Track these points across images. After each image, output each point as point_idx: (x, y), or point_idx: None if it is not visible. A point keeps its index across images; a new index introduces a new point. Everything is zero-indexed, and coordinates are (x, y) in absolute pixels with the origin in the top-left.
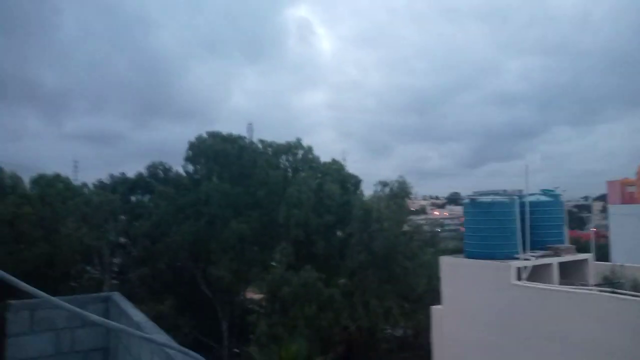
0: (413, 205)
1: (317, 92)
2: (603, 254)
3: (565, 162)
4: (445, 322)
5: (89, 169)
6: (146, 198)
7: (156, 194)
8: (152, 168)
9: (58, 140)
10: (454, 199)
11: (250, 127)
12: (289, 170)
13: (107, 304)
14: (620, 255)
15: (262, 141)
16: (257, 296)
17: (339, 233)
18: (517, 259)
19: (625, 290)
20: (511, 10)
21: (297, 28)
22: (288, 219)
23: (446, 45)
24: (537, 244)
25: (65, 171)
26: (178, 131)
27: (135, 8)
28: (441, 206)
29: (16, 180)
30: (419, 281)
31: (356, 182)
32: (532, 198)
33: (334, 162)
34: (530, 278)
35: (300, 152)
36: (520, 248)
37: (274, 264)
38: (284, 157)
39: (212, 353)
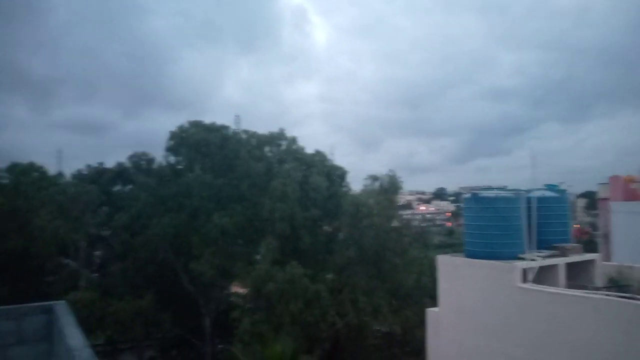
0: (401, 200)
1: (310, 84)
2: (592, 251)
3: (553, 159)
4: (442, 324)
5: (76, 159)
6: (128, 189)
7: (137, 185)
8: (135, 158)
9: (45, 130)
10: (439, 194)
11: (237, 118)
12: (273, 161)
13: (50, 316)
14: (622, 254)
15: (245, 131)
16: (242, 290)
17: (325, 227)
18: (522, 259)
19: (633, 292)
20: (509, 3)
21: (293, 16)
22: (273, 212)
23: (441, 37)
24: (542, 243)
25: (51, 161)
26: (169, 121)
27: None
28: (427, 201)
29: None
30: (408, 278)
31: (342, 174)
32: (538, 194)
33: (319, 153)
34: (536, 280)
35: (284, 143)
36: (526, 248)
37: (258, 258)
38: (267, 148)
39: (195, 350)
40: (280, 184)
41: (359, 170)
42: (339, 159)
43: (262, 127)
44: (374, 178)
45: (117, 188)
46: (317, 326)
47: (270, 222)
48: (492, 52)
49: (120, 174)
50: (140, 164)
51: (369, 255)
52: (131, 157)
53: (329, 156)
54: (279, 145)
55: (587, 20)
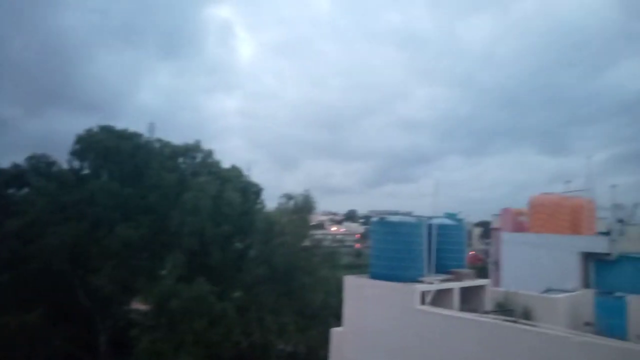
0: (314, 220)
1: (231, 98)
2: (484, 277)
3: (454, 189)
4: (346, 345)
5: None
6: (23, 193)
7: (33, 189)
8: (34, 160)
9: None
10: (351, 216)
11: (151, 126)
12: (187, 174)
13: None
14: (509, 281)
15: (159, 140)
16: (144, 307)
17: (237, 244)
18: (422, 282)
19: (516, 317)
20: (426, 41)
21: (218, 29)
22: (182, 226)
23: (363, 66)
24: (440, 268)
25: None
26: (77, 123)
27: None
28: (339, 222)
29: None
30: (316, 297)
31: (257, 190)
32: (438, 221)
33: (235, 168)
34: (433, 303)
35: (200, 156)
36: (425, 271)
37: (163, 274)
38: (181, 159)
39: None
40: (192, 197)
41: (275, 188)
42: (255, 176)
43: (178, 137)
44: (289, 197)
45: (11, 191)
46: (221, 345)
47: (178, 236)
48: (407, 85)
49: (16, 176)
50: (39, 166)
51: (279, 274)
52: (29, 159)
53: (245, 172)
54: (194, 157)
55: (492, 63)
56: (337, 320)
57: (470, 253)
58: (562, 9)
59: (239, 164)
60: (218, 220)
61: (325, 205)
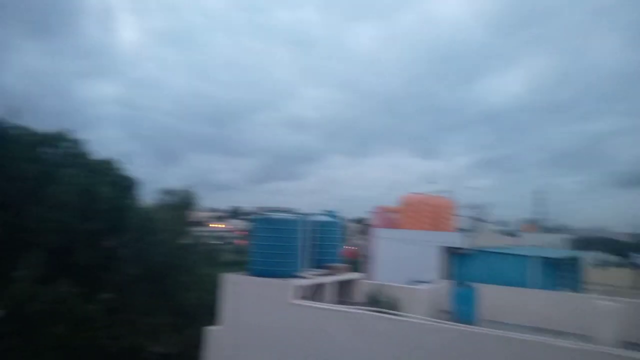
0: (195, 217)
1: (109, 85)
2: (361, 271)
3: (336, 187)
4: (223, 342)
5: None
6: None
7: None
8: None
9: None
10: (235, 213)
11: (12, 111)
12: (51, 165)
13: None
14: (381, 274)
15: (17, 127)
16: None
17: (107, 242)
18: (298, 277)
19: (385, 307)
20: (316, 42)
21: (98, 9)
22: (44, 222)
23: (253, 62)
24: (318, 263)
25: None
26: None
27: None
28: (222, 219)
29: None
30: (194, 296)
31: (133, 184)
32: (316, 218)
33: (109, 160)
34: (310, 297)
35: (66, 145)
36: (302, 267)
37: (19, 275)
38: (44, 148)
39: None
40: (56, 190)
41: (156, 182)
42: (133, 169)
43: (46, 125)
44: (169, 192)
45: None
46: (86, 351)
47: (39, 234)
48: (296, 85)
49: None
50: None
51: (154, 273)
52: None
53: (122, 165)
54: (60, 146)
55: (376, 68)
56: (216, 318)
57: (349, 248)
58: (437, 23)
59: (116, 155)
60: (87, 216)
61: (209, 201)
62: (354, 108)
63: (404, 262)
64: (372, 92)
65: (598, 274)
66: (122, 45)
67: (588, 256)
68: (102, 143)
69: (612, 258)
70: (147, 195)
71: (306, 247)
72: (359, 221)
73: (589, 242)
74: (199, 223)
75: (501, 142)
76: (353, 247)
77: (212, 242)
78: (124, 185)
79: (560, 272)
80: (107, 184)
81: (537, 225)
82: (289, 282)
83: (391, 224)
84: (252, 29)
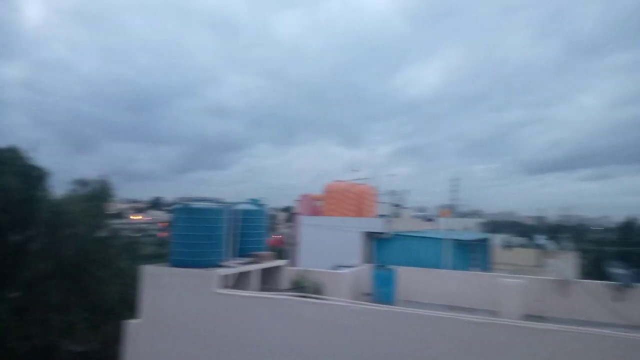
0: (113, 209)
1: (11, 66)
2: (287, 259)
3: (263, 176)
4: (143, 336)
5: None
6: None
7: None
8: None
9: None
10: (156, 204)
11: None
12: None
13: None
14: (306, 260)
15: None
16: None
17: (15, 236)
18: (223, 266)
19: (308, 292)
20: (241, 28)
21: None
22: None
23: (174, 45)
24: (242, 252)
25: None
26: None
27: None
28: (142, 210)
29: None
30: (112, 290)
31: (42, 175)
32: (241, 206)
33: (13, 149)
34: (234, 285)
35: None
36: (226, 256)
37: None
38: None
39: None
40: None
41: (68, 172)
42: (41, 158)
43: None
44: (83, 183)
45: None
46: None
47: None
48: (220, 71)
49: None
50: None
51: (68, 268)
52: None
53: (28, 153)
54: None
55: (302, 57)
56: (137, 312)
57: (275, 236)
58: (361, 13)
59: (23, 144)
60: None
61: (128, 192)
62: (280, 96)
63: (328, 248)
64: (298, 80)
65: (505, 254)
66: (27, 24)
67: (497, 238)
68: (5, 130)
69: (518, 239)
70: (59, 186)
71: (230, 236)
72: (286, 209)
73: (498, 225)
74: (118, 215)
75: (420, 132)
76: (279, 235)
77: (133, 234)
78: (32, 176)
79: (472, 253)
80: (13, 175)
81: (452, 211)
82: (213, 272)
83: (316, 212)
84: (171, 10)
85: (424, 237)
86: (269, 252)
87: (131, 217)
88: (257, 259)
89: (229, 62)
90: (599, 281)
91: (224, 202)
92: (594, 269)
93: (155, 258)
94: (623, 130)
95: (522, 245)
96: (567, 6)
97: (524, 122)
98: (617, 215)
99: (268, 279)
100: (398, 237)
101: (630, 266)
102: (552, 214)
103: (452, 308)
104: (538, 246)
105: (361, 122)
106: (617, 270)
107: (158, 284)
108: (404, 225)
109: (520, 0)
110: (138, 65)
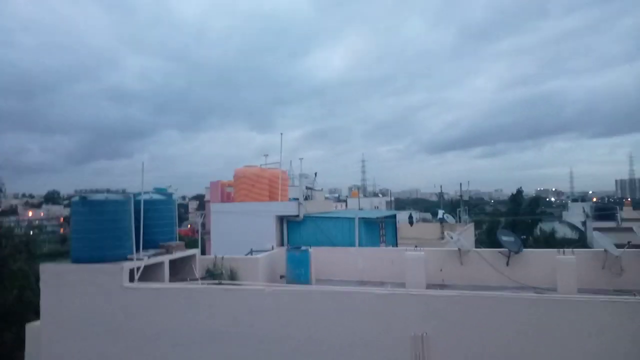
0: (3, 205)
1: None
2: (201, 248)
3: (171, 164)
4: (47, 339)
5: None
6: None
7: None
8: None
9: None
10: (52, 198)
11: None
12: None
13: None
14: (219, 248)
15: None
16: None
17: None
18: (130, 259)
19: (223, 279)
20: (135, 6)
21: None
22: None
23: (62, 25)
24: (150, 243)
25: None
26: None
27: None
28: (37, 206)
29: None
30: (8, 294)
31: None
32: (146, 197)
33: None
34: (143, 278)
35: None
36: (133, 248)
37: None
38: None
39: None
40: None
41: None
42: None
43: None
44: None
45: None
46: None
47: None
48: (117, 52)
49: None
50: None
51: None
52: None
53: None
54: None
55: (207, 39)
56: (38, 315)
57: (187, 225)
58: None
59: None
60: None
61: (20, 187)
62: (185, 79)
63: (242, 234)
64: (204, 62)
65: (411, 229)
66: None
67: (403, 215)
68: None
69: (421, 215)
70: None
71: (137, 228)
72: (197, 198)
73: (404, 202)
74: (10, 212)
75: (330, 115)
76: (191, 224)
77: (28, 232)
78: None
79: (380, 230)
80: None
81: (362, 191)
82: (119, 266)
83: (227, 198)
84: None
85: (335, 218)
86: (180, 242)
87: (26, 213)
88: (167, 250)
89: (127, 43)
90: (492, 249)
91: (127, 193)
92: (488, 238)
93: (56, 256)
94: (512, 110)
95: (425, 220)
96: None
97: (425, 104)
98: (508, 188)
99: (180, 270)
100: (310, 218)
101: (518, 234)
102: (450, 190)
103: (363, 283)
104: (439, 220)
105: (271, 106)
106: (507, 238)
107: (60, 283)
108: (317, 207)
109: None
110: (21, 46)
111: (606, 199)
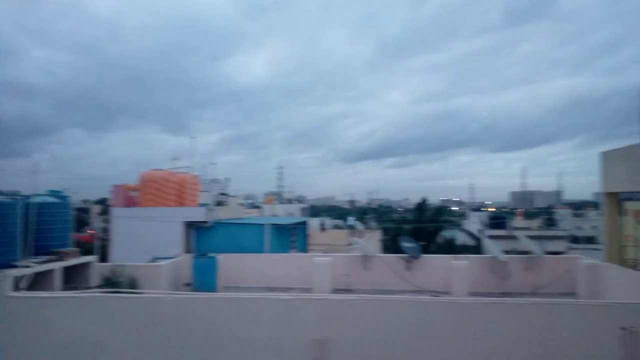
0: None
1: None
2: (103, 255)
3: (74, 165)
4: None
5: None
6: None
7: None
8: None
9: None
10: None
11: None
12: None
13: None
14: (120, 255)
15: None
16: None
17: None
18: (16, 267)
19: (123, 288)
20: None
21: None
22: None
23: None
24: (41, 249)
25: None
26: None
27: None
28: None
29: None
30: None
31: None
32: (38, 199)
33: None
34: (34, 287)
35: None
36: (21, 255)
37: None
38: None
39: None
40: None
41: None
42: None
43: None
44: None
45: None
46: None
47: None
48: (17, 43)
49: None
50: None
51: None
52: None
53: None
54: None
55: (119, 35)
56: None
57: (87, 231)
58: None
59: None
60: None
61: None
62: (93, 76)
63: (146, 240)
64: (115, 60)
65: (321, 235)
66: None
67: (315, 221)
68: None
69: (334, 222)
70: None
71: (27, 233)
72: (100, 202)
73: (318, 209)
74: None
75: (248, 120)
76: (91, 230)
77: None
78: None
79: (291, 237)
80: None
81: (277, 197)
82: (6, 273)
83: (131, 203)
84: None
85: (245, 224)
86: (74, 249)
87: None
88: (59, 257)
89: (30, 34)
90: (394, 255)
91: (13, 195)
92: (392, 245)
93: None
94: (422, 124)
95: (336, 227)
96: (377, 10)
97: (342, 114)
98: (414, 197)
99: (74, 278)
100: (219, 225)
101: (419, 240)
102: (362, 198)
103: (270, 289)
104: (349, 227)
105: (188, 109)
106: (408, 244)
107: None
108: (230, 213)
109: (339, 0)
110: None
111: (501, 209)
